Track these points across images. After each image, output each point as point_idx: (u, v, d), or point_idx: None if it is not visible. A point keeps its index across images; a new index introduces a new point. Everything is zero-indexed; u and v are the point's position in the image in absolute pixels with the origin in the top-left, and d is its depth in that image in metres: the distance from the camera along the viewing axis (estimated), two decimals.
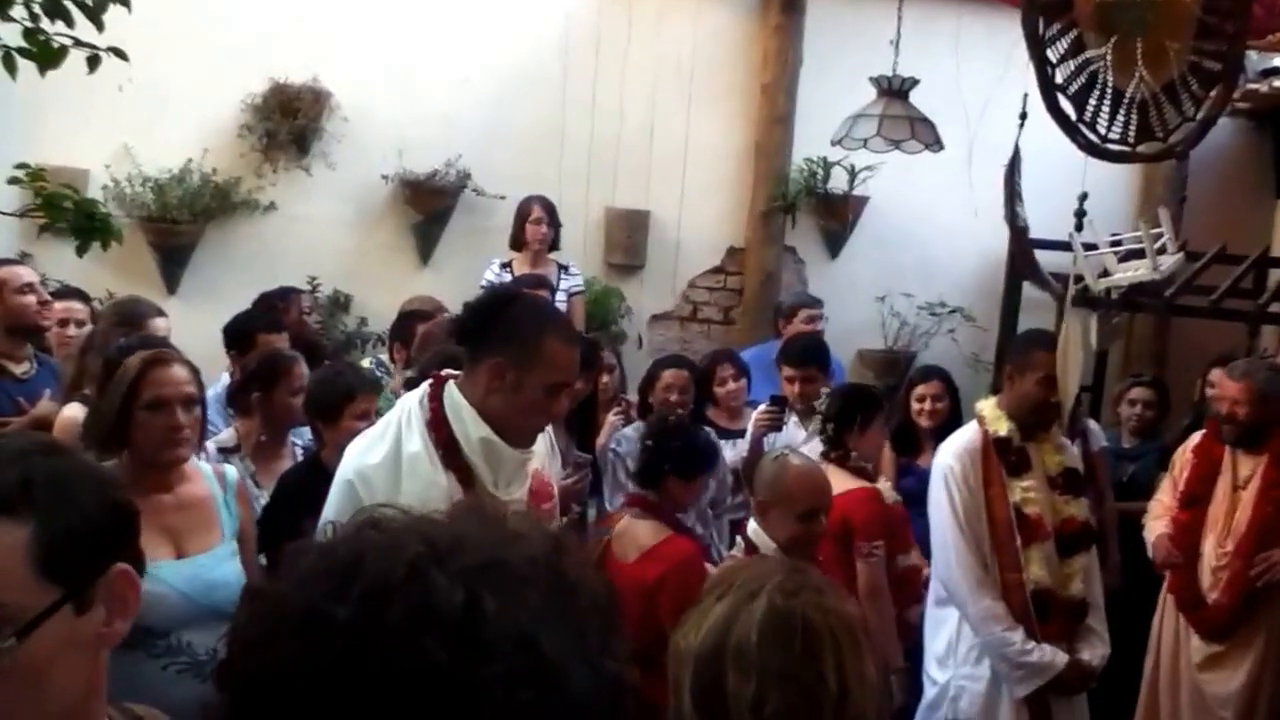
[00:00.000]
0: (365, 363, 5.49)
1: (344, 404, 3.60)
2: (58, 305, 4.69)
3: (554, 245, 6.13)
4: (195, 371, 2.96)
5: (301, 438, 4.12)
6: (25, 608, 1.16)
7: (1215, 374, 5.23)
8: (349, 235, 6.56)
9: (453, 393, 2.59)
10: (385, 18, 6.46)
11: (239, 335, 4.56)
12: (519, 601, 0.82)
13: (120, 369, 2.83)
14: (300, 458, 4.02)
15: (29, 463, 1.22)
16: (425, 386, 2.66)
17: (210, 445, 3.66)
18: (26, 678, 1.16)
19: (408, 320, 4.97)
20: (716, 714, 1.59)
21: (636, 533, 3.61)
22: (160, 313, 4.39)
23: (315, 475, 3.34)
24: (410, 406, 2.62)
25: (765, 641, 1.58)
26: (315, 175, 6.46)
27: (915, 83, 5.38)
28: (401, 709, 0.78)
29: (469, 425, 2.55)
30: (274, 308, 5.25)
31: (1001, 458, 3.94)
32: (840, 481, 4.14)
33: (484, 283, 5.95)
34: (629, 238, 6.74)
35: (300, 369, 3.98)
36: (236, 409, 4.12)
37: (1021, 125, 3.38)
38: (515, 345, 2.54)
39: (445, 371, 2.68)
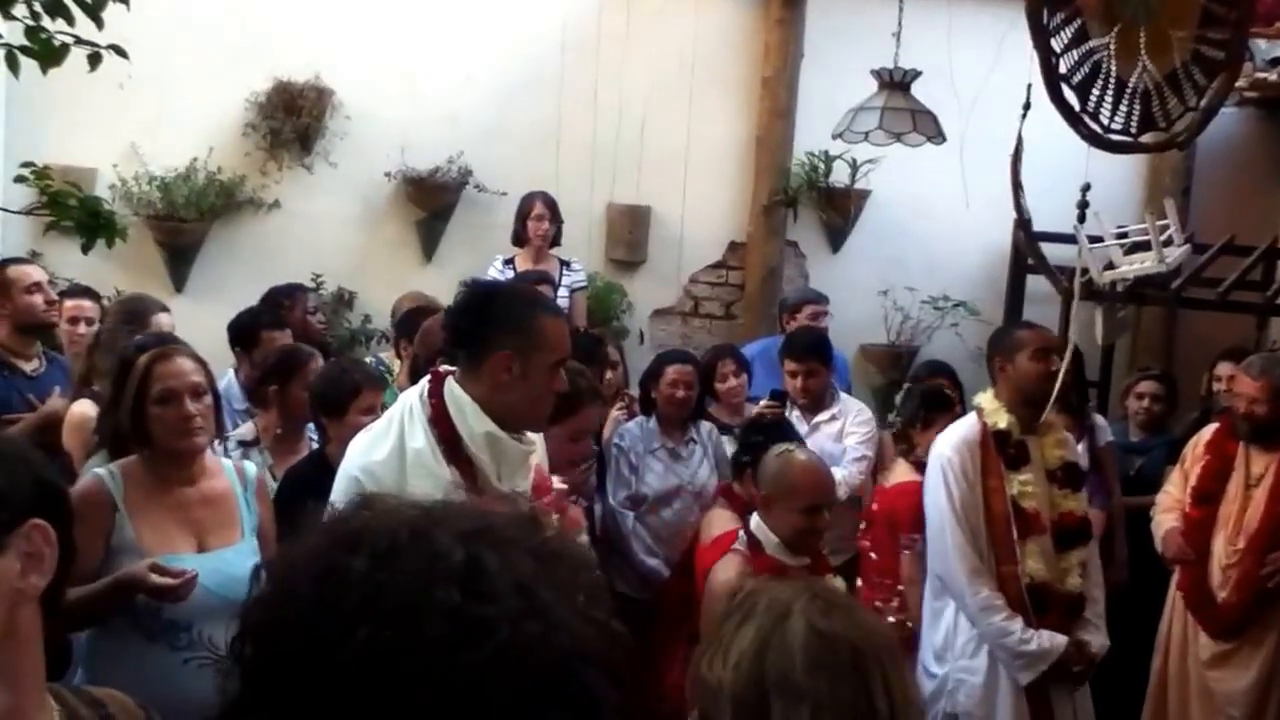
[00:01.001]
0: (367, 360, 5.51)
1: (350, 400, 3.61)
2: (67, 303, 4.73)
3: (556, 241, 6.14)
4: (202, 362, 2.99)
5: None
6: None
7: (1223, 368, 5.24)
8: (353, 232, 6.57)
9: (453, 388, 2.60)
10: (387, 16, 6.48)
11: (244, 332, 4.59)
12: (513, 557, 0.89)
13: (131, 368, 2.88)
14: None
15: None
16: (425, 383, 2.66)
17: (231, 439, 3.71)
18: None
19: (415, 318, 4.97)
20: None
21: (713, 520, 3.83)
22: (164, 308, 4.42)
23: (321, 470, 3.36)
24: (411, 403, 2.63)
25: (811, 667, 1.49)
26: (319, 173, 6.48)
27: (917, 75, 5.37)
28: (418, 647, 0.83)
29: (472, 420, 2.55)
30: (279, 305, 5.27)
31: (1000, 451, 3.94)
32: (900, 474, 4.43)
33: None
34: (630, 233, 6.75)
35: (316, 364, 4.05)
36: (254, 402, 4.20)
37: (1024, 116, 3.37)
38: (514, 334, 2.56)
39: (443, 367, 2.69)
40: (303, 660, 0.84)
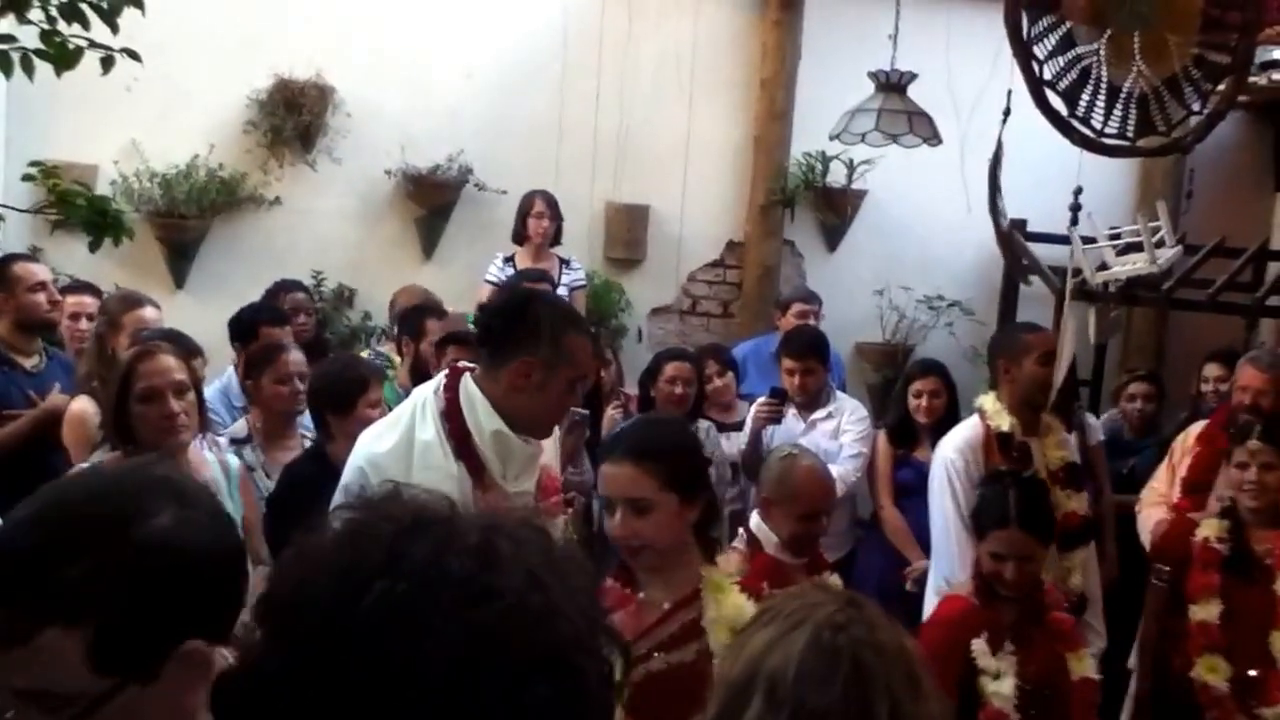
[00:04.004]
0: (366, 355, 5.54)
1: (358, 394, 3.61)
2: (69, 300, 4.75)
3: (556, 240, 6.18)
4: (188, 357, 3.00)
5: (309, 430, 4.12)
6: (84, 693, 1.15)
7: (1211, 369, 5.30)
8: (353, 229, 6.61)
9: (468, 384, 2.63)
10: (387, 14, 6.51)
11: (243, 328, 4.61)
12: (521, 546, 0.95)
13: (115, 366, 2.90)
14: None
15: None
16: (441, 377, 2.70)
17: (222, 439, 3.71)
18: None
19: (416, 315, 4.99)
20: None
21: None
22: (152, 304, 4.43)
23: (321, 468, 3.37)
24: (425, 397, 2.66)
25: (803, 676, 1.44)
26: (320, 170, 6.50)
27: (913, 77, 5.41)
28: (429, 604, 0.89)
29: (482, 417, 2.59)
30: (278, 300, 5.31)
31: (1003, 452, 3.97)
32: None
33: (488, 277, 5.99)
34: (629, 232, 6.78)
35: (288, 357, 4.00)
36: (247, 398, 4.20)
37: (1004, 122, 3.41)
38: (542, 346, 2.58)
39: (461, 364, 2.72)
40: (324, 607, 0.89)
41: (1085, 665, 3.23)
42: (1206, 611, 3.76)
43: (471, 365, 2.70)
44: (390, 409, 3.05)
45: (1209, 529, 3.88)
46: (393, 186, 6.59)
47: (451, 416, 2.60)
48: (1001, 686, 3.07)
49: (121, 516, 1.18)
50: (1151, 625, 4.01)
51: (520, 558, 0.93)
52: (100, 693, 1.14)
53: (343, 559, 0.92)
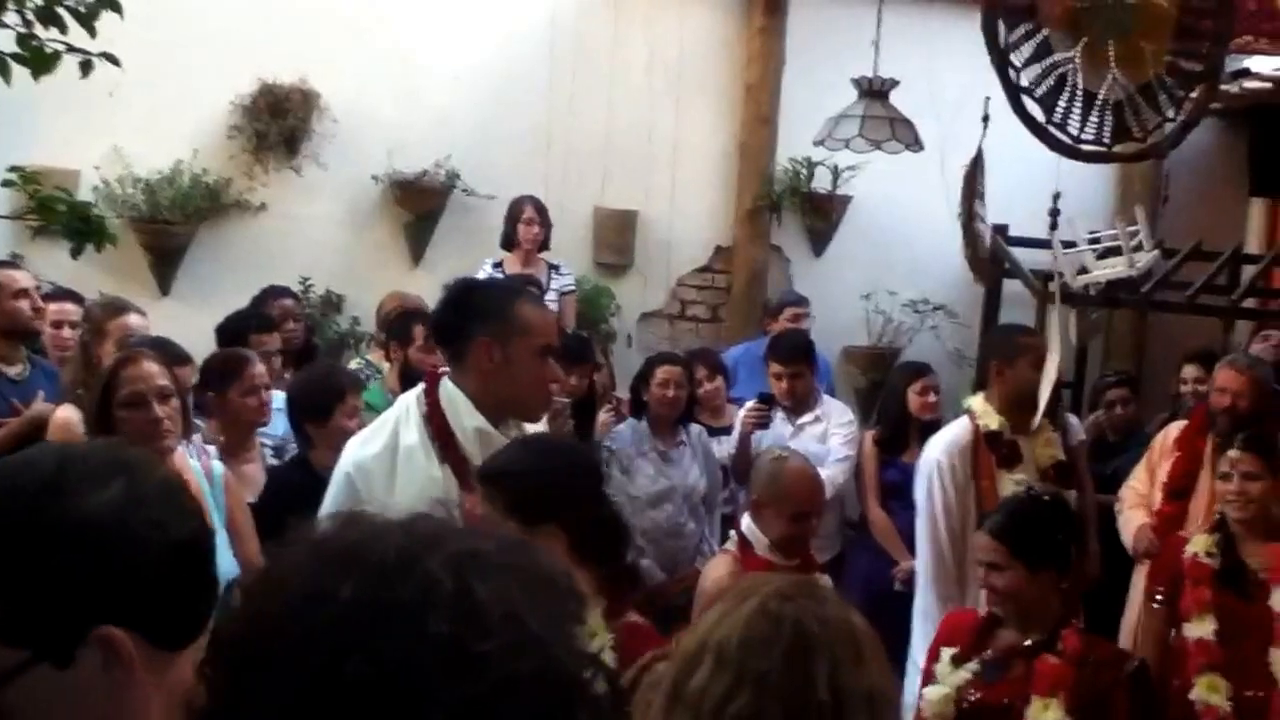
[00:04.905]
0: (354, 364, 5.55)
1: (336, 404, 3.64)
2: (51, 307, 4.71)
3: (545, 245, 6.19)
4: (178, 364, 3.00)
5: (271, 437, 4.12)
6: None
7: (1189, 370, 5.34)
8: (340, 235, 6.60)
9: (448, 385, 2.64)
10: (373, 19, 6.50)
11: (231, 336, 4.58)
12: (501, 583, 0.85)
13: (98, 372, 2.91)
14: (269, 459, 4.02)
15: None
16: (423, 383, 2.72)
17: (210, 448, 3.70)
18: None
19: (404, 321, 5.00)
20: (681, 706, 1.51)
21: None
22: (133, 310, 4.37)
23: (305, 476, 3.39)
24: (409, 402, 2.68)
25: (747, 642, 1.50)
26: (306, 176, 6.49)
27: (895, 84, 5.46)
28: (408, 682, 0.80)
29: (464, 416, 2.59)
30: (266, 306, 5.30)
31: (994, 451, 4.02)
32: None
33: None
34: (618, 237, 6.81)
35: (254, 370, 3.91)
36: (198, 409, 3.93)
37: (984, 128, 3.46)
38: (491, 321, 2.60)
39: (440, 369, 2.75)
40: (284, 688, 0.81)
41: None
42: (1202, 628, 3.60)
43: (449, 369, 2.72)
44: (377, 415, 3.07)
45: (1198, 544, 3.73)
46: (380, 192, 6.59)
47: (434, 419, 2.61)
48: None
49: (45, 488, 1.12)
50: (1149, 646, 3.82)
51: (502, 599, 0.84)
52: (9, 665, 1.08)
53: (302, 630, 0.82)
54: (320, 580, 0.83)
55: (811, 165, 6.69)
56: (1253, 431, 3.90)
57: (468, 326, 2.62)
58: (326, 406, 3.63)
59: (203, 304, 5.77)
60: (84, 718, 1.10)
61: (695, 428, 4.95)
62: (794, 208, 6.88)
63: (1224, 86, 6.27)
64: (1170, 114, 3.47)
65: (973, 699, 2.95)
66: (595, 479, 2.57)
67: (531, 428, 2.77)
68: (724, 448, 4.98)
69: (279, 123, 6.33)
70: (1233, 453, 3.74)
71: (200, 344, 4.50)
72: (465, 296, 2.71)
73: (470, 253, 6.31)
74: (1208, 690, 3.50)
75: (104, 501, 1.13)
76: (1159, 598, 3.80)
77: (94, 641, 1.08)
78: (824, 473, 4.44)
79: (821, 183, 6.77)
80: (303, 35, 6.39)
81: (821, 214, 6.87)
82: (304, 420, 3.69)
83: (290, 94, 6.33)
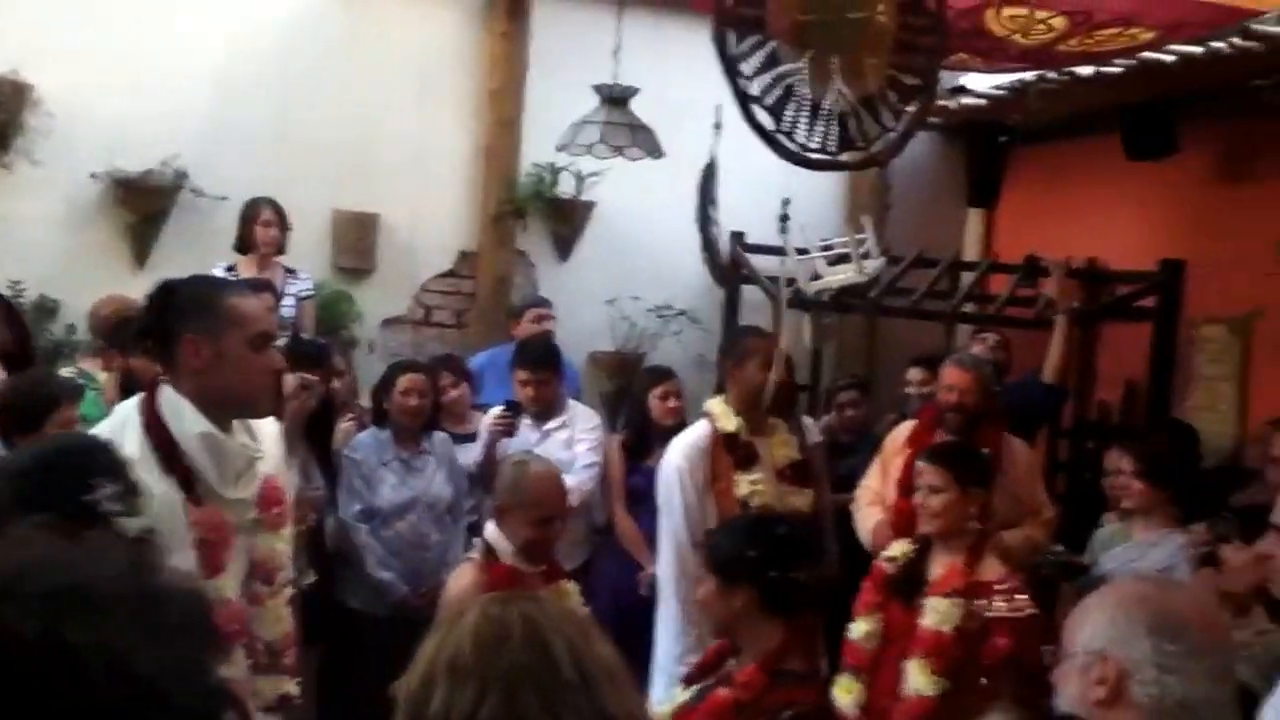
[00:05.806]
0: (67, 372, 5.18)
1: (47, 413, 3.42)
2: None
3: (281, 249, 5.97)
4: None
5: None
6: None
7: (913, 373, 5.68)
8: (56, 237, 6.15)
9: (167, 392, 2.52)
10: (95, 9, 6.11)
11: None
12: (105, 623, 0.75)
13: None
14: None
15: None
16: (142, 393, 2.57)
17: None
18: None
19: (125, 327, 4.70)
20: None
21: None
22: None
23: None
24: (128, 413, 2.54)
25: (480, 645, 1.48)
26: (18, 173, 6.02)
27: (635, 91, 5.54)
28: None
29: (188, 422, 2.48)
30: None
31: (731, 452, 4.12)
32: None
33: None
34: (359, 240, 6.64)
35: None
36: None
37: (717, 135, 3.57)
38: (196, 318, 2.50)
39: (161, 376, 2.60)
40: None
41: None
42: (858, 630, 3.64)
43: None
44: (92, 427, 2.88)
45: (895, 549, 3.78)
46: (100, 191, 6.18)
47: (155, 428, 2.48)
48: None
49: None
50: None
51: (101, 643, 0.74)
52: None
53: None
54: None
55: (555, 171, 6.72)
56: (945, 446, 3.99)
57: (173, 327, 2.51)
58: (36, 416, 3.41)
59: None
60: None
61: (439, 435, 4.88)
62: (539, 213, 6.89)
63: (942, 102, 6.71)
64: (891, 125, 3.67)
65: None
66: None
67: (261, 423, 2.66)
68: (469, 455, 4.93)
69: None
70: (919, 464, 3.74)
71: None
72: (168, 297, 2.57)
73: (200, 256, 5.97)
74: (841, 691, 3.55)
75: None
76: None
77: None
78: (571, 479, 4.47)
79: (566, 188, 6.81)
80: (16, 26, 5.94)
81: (566, 220, 6.91)
82: (12, 431, 3.46)
83: (0, 86, 5.86)
